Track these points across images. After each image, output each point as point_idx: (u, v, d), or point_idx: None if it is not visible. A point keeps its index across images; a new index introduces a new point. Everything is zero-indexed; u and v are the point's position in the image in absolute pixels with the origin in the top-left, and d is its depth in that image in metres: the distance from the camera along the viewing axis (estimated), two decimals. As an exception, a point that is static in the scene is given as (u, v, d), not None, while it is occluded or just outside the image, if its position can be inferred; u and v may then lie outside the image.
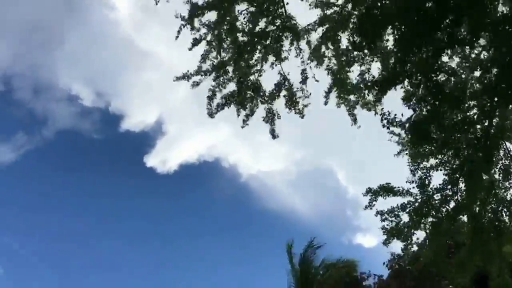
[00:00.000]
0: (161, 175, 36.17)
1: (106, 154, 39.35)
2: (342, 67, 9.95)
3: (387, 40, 8.98)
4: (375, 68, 9.97)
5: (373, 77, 9.26)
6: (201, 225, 37.99)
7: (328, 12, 9.81)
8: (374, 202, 9.67)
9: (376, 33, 8.37)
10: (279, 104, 10.21)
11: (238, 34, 9.52)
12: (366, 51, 9.79)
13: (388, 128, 8.29)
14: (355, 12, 9.44)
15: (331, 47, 10.03)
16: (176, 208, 39.84)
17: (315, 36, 10.06)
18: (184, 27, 9.34)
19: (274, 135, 10.02)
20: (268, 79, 10.13)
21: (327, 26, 9.86)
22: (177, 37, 9.32)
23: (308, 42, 10.03)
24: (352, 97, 10.13)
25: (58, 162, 38.36)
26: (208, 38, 9.57)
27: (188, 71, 9.63)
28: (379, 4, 8.27)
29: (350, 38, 9.66)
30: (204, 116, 9.97)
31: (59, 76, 41.53)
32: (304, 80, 10.16)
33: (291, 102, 10.00)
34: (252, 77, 10.00)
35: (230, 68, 9.73)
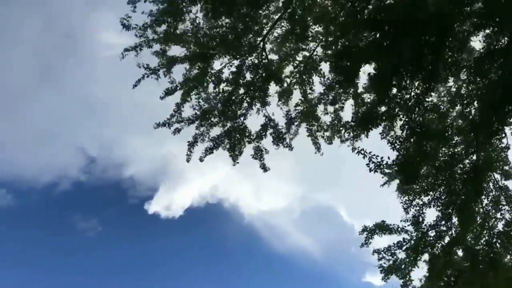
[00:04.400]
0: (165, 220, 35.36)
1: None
2: (312, 106, 10.39)
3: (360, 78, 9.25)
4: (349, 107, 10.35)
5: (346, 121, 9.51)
6: (213, 272, 36.90)
7: (299, 58, 10.34)
8: (370, 240, 9.65)
9: (353, 70, 8.62)
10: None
11: (222, 85, 9.70)
12: (340, 90, 10.13)
13: (375, 172, 8.34)
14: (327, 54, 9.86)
15: (303, 89, 10.45)
16: (182, 256, 38.64)
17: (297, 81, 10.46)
18: (147, 76, 9.51)
19: (265, 169, 10.31)
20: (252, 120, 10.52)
21: (299, 70, 10.26)
22: (134, 86, 9.51)
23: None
24: (327, 133, 10.52)
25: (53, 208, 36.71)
26: (184, 89, 9.79)
27: (169, 118, 9.83)
28: (355, 42, 8.58)
29: (322, 78, 10.11)
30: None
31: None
32: (289, 122, 10.52)
33: (278, 139, 10.38)
34: (237, 120, 10.31)
35: (213, 118, 9.96)
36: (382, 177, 9.78)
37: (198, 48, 9.67)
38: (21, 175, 33.50)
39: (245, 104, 9.91)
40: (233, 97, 9.78)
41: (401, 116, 8.88)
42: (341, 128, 10.55)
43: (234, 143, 10.21)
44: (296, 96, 10.69)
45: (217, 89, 9.80)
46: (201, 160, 9.99)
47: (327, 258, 36.93)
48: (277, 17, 10.05)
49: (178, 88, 9.77)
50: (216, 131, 10.22)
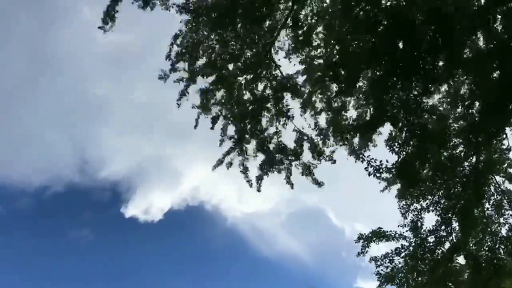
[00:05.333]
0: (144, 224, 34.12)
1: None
2: (336, 112, 9.98)
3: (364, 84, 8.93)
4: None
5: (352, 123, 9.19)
6: (199, 277, 35.66)
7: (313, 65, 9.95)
8: (367, 249, 9.32)
9: (353, 77, 8.33)
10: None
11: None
12: (356, 96, 9.84)
13: (374, 175, 8.03)
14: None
15: (320, 96, 10.12)
16: (167, 262, 37.21)
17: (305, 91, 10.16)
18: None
19: (319, 184, 10.00)
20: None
21: (314, 78, 9.95)
22: (195, 126, 9.76)
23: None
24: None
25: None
26: (223, 113, 9.76)
27: (221, 159, 9.80)
28: (356, 48, 8.28)
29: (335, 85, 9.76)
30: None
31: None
32: (320, 132, 10.15)
33: (317, 153, 9.96)
34: (273, 141, 10.04)
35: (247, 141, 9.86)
36: (379, 183, 9.39)
37: (218, 72, 9.53)
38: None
39: (265, 121, 9.73)
40: (253, 113, 9.61)
41: (400, 118, 8.58)
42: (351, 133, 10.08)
43: (277, 164, 9.97)
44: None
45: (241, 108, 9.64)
46: (258, 190, 9.89)
47: (317, 262, 35.75)
48: (279, 26, 9.76)
49: (219, 116, 9.71)
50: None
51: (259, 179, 9.85)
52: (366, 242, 9.33)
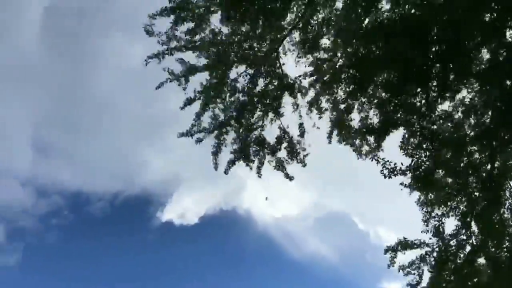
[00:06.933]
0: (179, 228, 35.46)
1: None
2: (341, 115, 10.31)
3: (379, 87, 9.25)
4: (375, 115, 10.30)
5: (372, 123, 9.50)
6: (233, 280, 36.55)
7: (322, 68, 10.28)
8: (395, 259, 9.68)
9: (366, 80, 8.68)
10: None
11: (238, 94, 9.74)
12: (362, 99, 10.15)
13: (389, 177, 8.40)
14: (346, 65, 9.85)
15: (328, 98, 10.45)
16: (198, 263, 38.37)
17: (312, 92, 10.48)
18: (170, 81, 9.46)
19: (290, 178, 10.33)
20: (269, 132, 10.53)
21: (322, 80, 10.26)
22: (158, 87, 9.44)
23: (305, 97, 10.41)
24: (357, 141, 10.35)
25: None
26: (203, 99, 9.75)
27: (190, 127, 9.80)
28: (369, 52, 8.62)
29: (345, 88, 10.09)
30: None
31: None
32: (302, 134, 10.54)
33: (292, 153, 10.37)
34: (255, 132, 10.31)
35: (229, 127, 9.99)
36: (401, 190, 9.72)
37: (216, 56, 9.62)
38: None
39: (258, 114, 9.93)
40: (248, 107, 9.76)
41: (412, 121, 8.95)
42: (365, 135, 10.33)
43: (249, 154, 10.21)
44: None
45: (232, 98, 9.78)
46: (225, 172, 10.05)
47: (344, 265, 36.87)
48: (291, 27, 10.02)
49: (197, 98, 9.70)
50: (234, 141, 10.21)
51: (230, 163, 10.05)
52: (393, 253, 9.69)
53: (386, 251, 9.70)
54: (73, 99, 36.19)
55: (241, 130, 10.10)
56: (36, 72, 34.21)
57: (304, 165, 10.50)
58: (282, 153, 10.45)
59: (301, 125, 10.64)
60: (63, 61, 34.82)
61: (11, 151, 34.96)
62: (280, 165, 10.34)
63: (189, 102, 9.68)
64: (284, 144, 10.46)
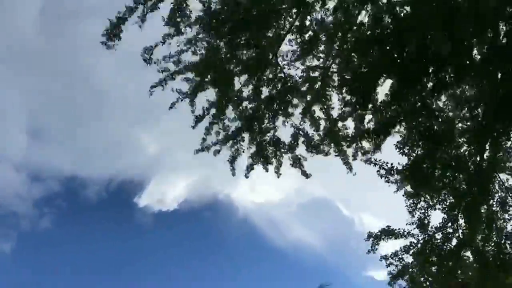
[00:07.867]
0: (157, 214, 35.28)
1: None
2: (334, 122, 10.15)
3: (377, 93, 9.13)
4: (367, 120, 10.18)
5: (367, 128, 9.40)
6: (215, 267, 36.43)
7: (315, 74, 10.15)
8: (376, 246, 9.64)
9: (366, 91, 8.61)
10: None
11: (244, 103, 9.82)
12: (357, 106, 10.01)
13: (386, 178, 8.38)
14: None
15: (321, 106, 10.35)
16: (182, 251, 38.27)
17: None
18: (181, 100, 9.52)
19: (306, 175, 10.24)
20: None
21: (316, 86, 10.19)
22: (170, 107, 9.54)
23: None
24: (350, 149, 10.23)
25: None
26: (212, 112, 9.82)
27: (202, 142, 9.93)
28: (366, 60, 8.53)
29: (341, 96, 9.97)
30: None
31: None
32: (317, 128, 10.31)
33: (312, 147, 10.18)
34: (269, 134, 10.28)
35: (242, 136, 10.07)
36: (389, 186, 9.65)
37: (218, 73, 9.57)
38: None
39: (267, 118, 9.92)
40: (256, 114, 9.76)
41: (410, 120, 8.89)
42: (362, 140, 10.25)
43: (268, 156, 10.20)
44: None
45: (240, 108, 9.80)
46: (246, 176, 10.21)
47: (328, 252, 36.52)
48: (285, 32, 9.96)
49: (206, 114, 9.74)
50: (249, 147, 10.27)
51: (249, 168, 10.13)
52: (375, 240, 9.64)
53: (368, 237, 9.67)
54: (68, 84, 36.25)
55: (254, 136, 10.13)
56: (31, 57, 34.12)
57: (327, 155, 10.17)
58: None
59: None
60: (59, 46, 34.68)
61: (5, 135, 35.23)
62: (297, 162, 10.25)
63: (199, 119, 9.73)
64: (301, 139, 10.29)
